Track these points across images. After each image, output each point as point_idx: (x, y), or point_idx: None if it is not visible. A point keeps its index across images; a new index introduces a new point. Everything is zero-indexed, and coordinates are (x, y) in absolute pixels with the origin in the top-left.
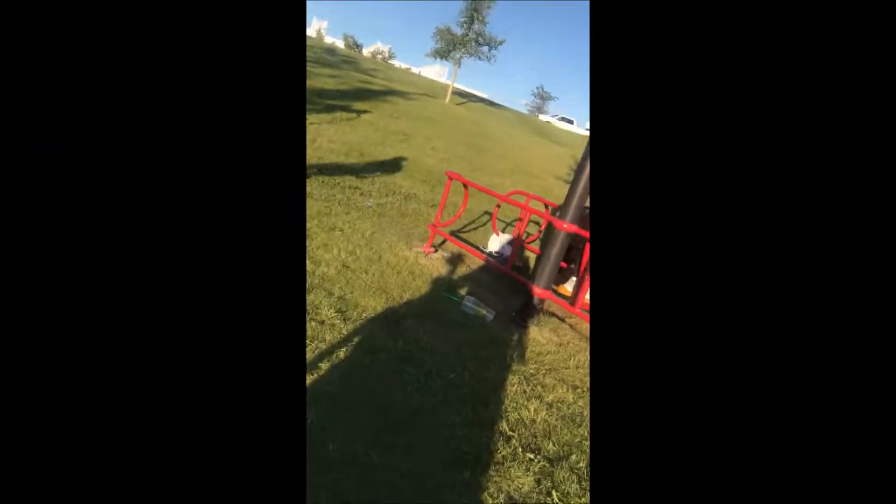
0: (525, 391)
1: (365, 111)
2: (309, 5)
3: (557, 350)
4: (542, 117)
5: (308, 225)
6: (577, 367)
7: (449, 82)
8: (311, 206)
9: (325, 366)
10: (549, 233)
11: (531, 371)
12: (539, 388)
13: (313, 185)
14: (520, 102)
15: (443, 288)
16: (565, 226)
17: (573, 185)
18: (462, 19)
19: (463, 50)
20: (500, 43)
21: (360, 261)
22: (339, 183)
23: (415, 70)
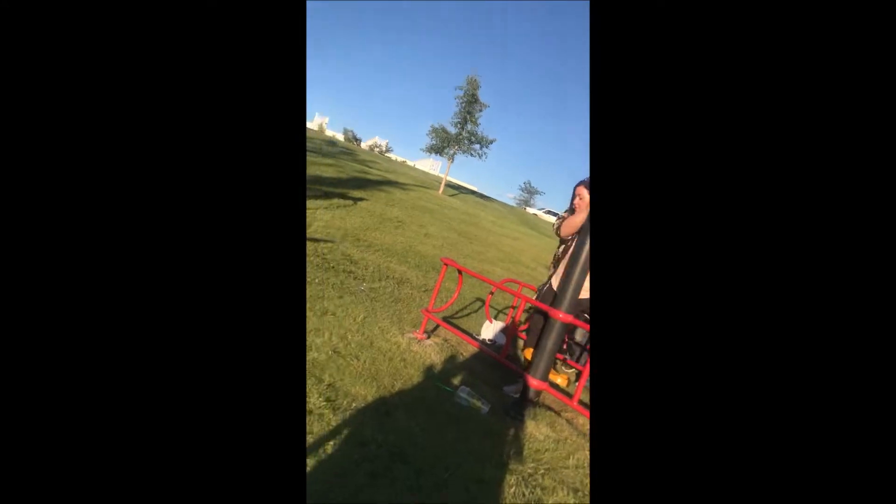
0: (524, 494)
1: (361, 199)
2: (311, 101)
3: (556, 447)
4: (529, 210)
5: None
6: (576, 467)
7: (442, 175)
8: (306, 290)
9: (311, 461)
10: (544, 322)
11: (529, 471)
12: (538, 490)
13: (308, 269)
14: (508, 195)
15: (435, 377)
16: (561, 316)
17: (567, 273)
18: (456, 119)
19: (456, 147)
20: (491, 142)
21: (352, 346)
22: (333, 267)
23: (410, 163)
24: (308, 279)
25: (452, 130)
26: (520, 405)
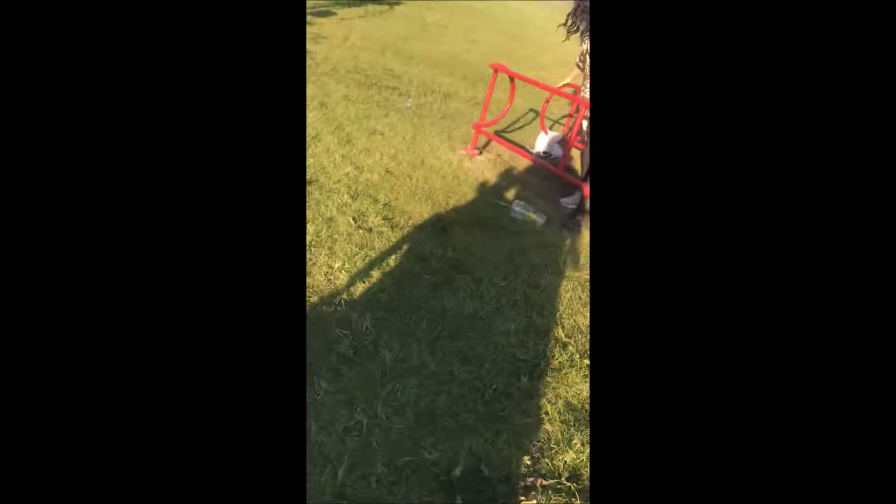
0: (580, 297)
1: (398, 3)
2: None
3: None
4: None
5: (348, 129)
6: None
7: None
8: (350, 109)
9: (376, 273)
10: None
11: (586, 277)
12: None
13: (350, 87)
14: None
15: (490, 192)
16: None
17: None
18: None
19: None
20: None
21: (403, 166)
22: (375, 83)
23: None
24: (351, 98)
25: None
26: (576, 216)
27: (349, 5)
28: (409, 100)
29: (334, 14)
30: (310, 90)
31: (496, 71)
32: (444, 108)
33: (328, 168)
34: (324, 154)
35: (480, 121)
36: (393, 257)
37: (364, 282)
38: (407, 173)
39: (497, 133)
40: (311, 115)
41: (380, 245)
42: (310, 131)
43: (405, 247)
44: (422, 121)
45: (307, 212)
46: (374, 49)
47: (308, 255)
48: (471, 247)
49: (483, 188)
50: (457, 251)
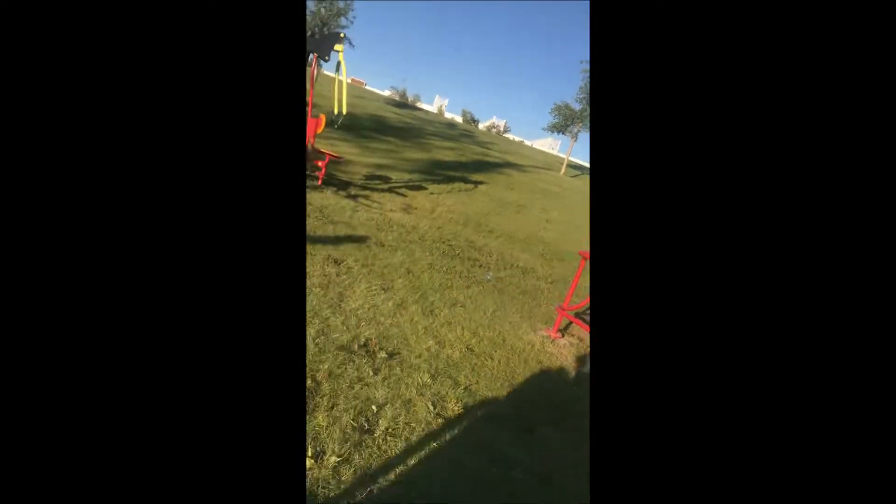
0: None
1: (481, 182)
2: (431, 84)
3: None
4: None
5: (431, 298)
6: None
7: (563, 154)
8: (434, 278)
9: (453, 478)
10: None
11: None
12: None
13: (435, 256)
14: None
15: (576, 382)
16: None
17: None
18: (581, 95)
19: (580, 124)
20: None
21: (484, 343)
22: (458, 254)
23: (528, 143)
24: (436, 267)
25: (577, 107)
26: None
27: (438, 182)
28: (490, 273)
29: (425, 188)
30: (398, 257)
31: (584, 259)
32: (523, 284)
33: (411, 341)
34: (408, 324)
35: (566, 304)
36: (471, 459)
37: (435, 482)
38: (488, 353)
39: (577, 315)
40: (399, 282)
41: (450, 437)
42: (395, 298)
43: (486, 447)
44: (501, 296)
45: (386, 391)
46: (458, 221)
47: (384, 446)
48: (563, 455)
49: (570, 377)
50: (545, 459)
